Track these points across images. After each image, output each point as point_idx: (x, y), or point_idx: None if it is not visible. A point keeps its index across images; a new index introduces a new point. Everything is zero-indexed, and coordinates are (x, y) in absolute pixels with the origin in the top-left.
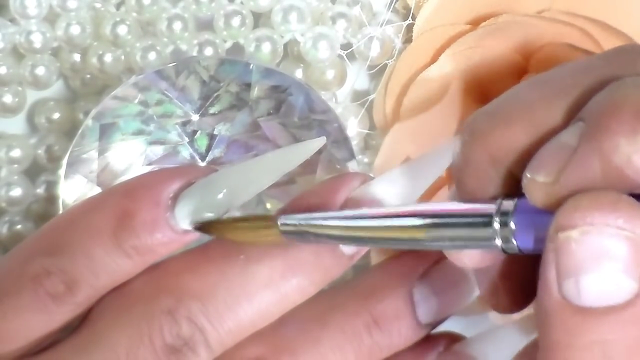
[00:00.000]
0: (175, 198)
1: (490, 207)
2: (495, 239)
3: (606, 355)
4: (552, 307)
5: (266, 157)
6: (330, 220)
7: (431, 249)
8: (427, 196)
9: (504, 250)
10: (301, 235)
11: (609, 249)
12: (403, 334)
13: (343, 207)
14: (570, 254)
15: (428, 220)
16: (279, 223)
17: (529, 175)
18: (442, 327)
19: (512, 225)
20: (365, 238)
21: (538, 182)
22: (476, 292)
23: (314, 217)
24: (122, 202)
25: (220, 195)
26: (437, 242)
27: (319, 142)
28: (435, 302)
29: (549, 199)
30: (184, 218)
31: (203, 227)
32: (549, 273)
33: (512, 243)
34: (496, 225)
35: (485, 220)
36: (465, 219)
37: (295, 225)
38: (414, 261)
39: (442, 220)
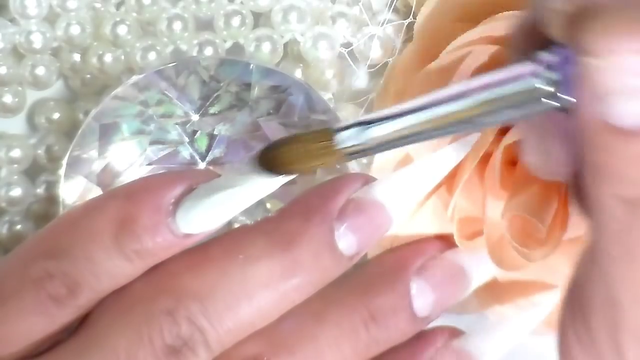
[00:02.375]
0: (177, 203)
1: (530, 65)
2: (544, 94)
3: None
4: (594, 130)
5: None
6: (384, 126)
7: (487, 125)
8: (426, 197)
9: (555, 106)
10: (361, 153)
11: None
12: (400, 328)
13: (343, 208)
14: (600, 78)
15: (478, 96)
16: (337, 148)
17: (546, 5)
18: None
19: (557, 75)
20: (422, 132)
21: (556, 10)
22: (472, 287)
23: (370, 131)
24: (123, 206)
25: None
26: (492, 116)
27: None
28: (432, 296)
29: (570, 27)
30: (185, 223)
31: (263, 163)
32: (586, 98)
33: (562, 97)
34: (543, 77)
35: (531, 79)
36: (513, 82)
37: (354, 145)
38: (411, 255)
39: (490, 91)
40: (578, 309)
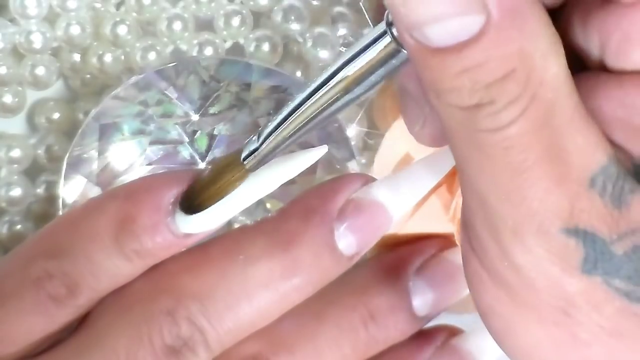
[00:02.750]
0: (177, 203)
1: (382, 26)
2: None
3: (474, 79)
4: (413, 55)
5: (267, 164)
6: (274, 137)
7: (363, 91)
8: (426, 196)
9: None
10: (266, 158)
11: None
12: (399, 327)
13: (343, 208)
14: (407, 14)
15: (343, 75)
16: (246, 167)
17: None
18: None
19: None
20: (306, 121)
21: None
22: None
23: (266, 141)
24: (123, 206)
25: (222, 203)
26: (361, 85)
27: (320, 152)
28: (431, 295)
29: None
30: (184, 223)
31: (187, 209)
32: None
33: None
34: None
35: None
36: (368, 49)
37: (256, 157)
38: (410, 255)
39: (354, 66)
40: (469, 227)
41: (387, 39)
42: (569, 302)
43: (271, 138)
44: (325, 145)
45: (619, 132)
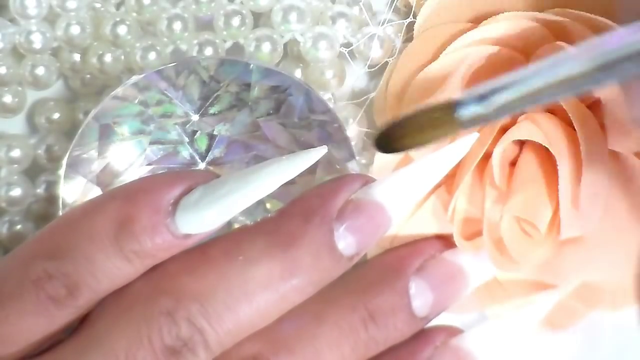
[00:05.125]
0: (176, 204)
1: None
2: None
3: None
4: None
5: (267, 165)
6: (503, 95)
7: (603, 82)
8: (425, 197)
9: None
10: (480, 121)
11: None
12: (399, 328)
13: (342, 209)
14: None
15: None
16: (456, 117)
17: None
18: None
19: None
20: (543, 93)
21: None
22: (471, 287)
23: (489, 98)
24: (123, 207)
25: (220, 205)
26: (608, 73)
27: (319, 152)
28: (431, 296)
29: None
30: (184, 224)
31: (385, 148)
32: None
33: None
34: None
35: None
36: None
37: (472, 114)
38: (410, 255)
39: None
40: None
41: None
42: None
43: (498, 100)
44: (325, 146)
45: None
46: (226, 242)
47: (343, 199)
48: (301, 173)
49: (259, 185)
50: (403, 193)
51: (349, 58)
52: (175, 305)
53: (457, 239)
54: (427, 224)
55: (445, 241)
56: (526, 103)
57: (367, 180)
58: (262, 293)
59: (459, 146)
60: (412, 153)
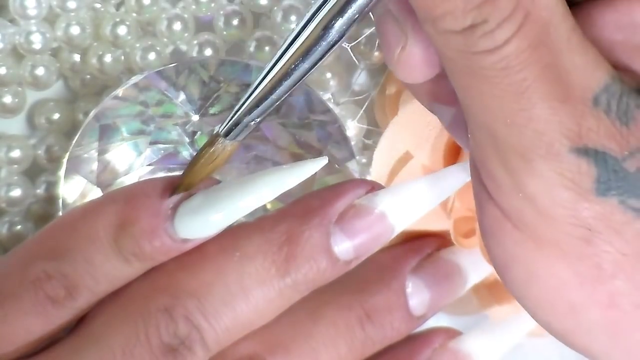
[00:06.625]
0: (175, 208)
1: None
2: None
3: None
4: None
5: (268, 173)
6: (249, 100)
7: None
8: None
9: None
10: (242, 129)
11: None
12: (396, 327)
13: (343, 213)
14: None
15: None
16: (221, 139)
17: None
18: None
19: None
20: (274, 90)
21: None
22: (468, 286)
23: (238, 109)
24: (122, 210)
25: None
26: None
27: (320, 163)
28: (427, 295)
29: None
30: (183, 228)
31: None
32: None
33: None
34: None
35: None
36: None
37: (229, 127)
38: (406, 254)
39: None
40: (481, 167)
41: None
42: (588, 228)
43: (241, 104)
44: (326, 157)
45: (622, 54)
46: (223, 238)
47: (345, 203)
48: None
49: (257, 194)
50: (409, 205)
51: (352, 53)
52: (172, 302)
53: (453, 237)
54: (424, 222)
55: (442, 239)
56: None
57: (374, 187)
58: (258, 290)
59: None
60: (412, 151)
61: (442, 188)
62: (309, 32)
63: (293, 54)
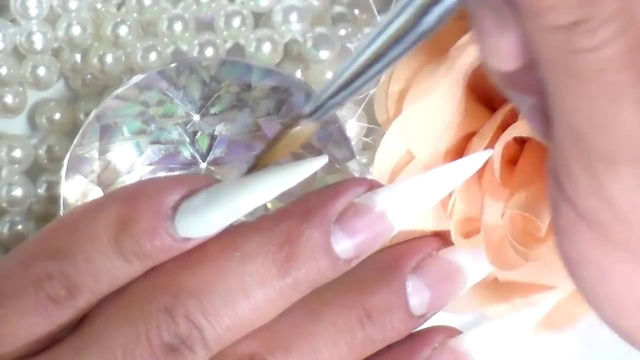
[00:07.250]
0: (176, 208)
1: None
2: None
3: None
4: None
5: (268, 172)
6: (337, 82)
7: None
8: None
9: None
10: (327, 111)
11: None
12: (396, 326)
13: (343, 212)
14: None
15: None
16: (304, 120)
17: None
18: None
19: None
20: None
21: None
22: (468, 285)
23: (325, 90)
24: (123, 209)
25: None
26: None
27: (320, 162)
28: (428, 294)
29: None
30: (184, 228)
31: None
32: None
33: None
34: None
35: None
36: None
37: (315, 108)
38: (407, 253)
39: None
40: (561, 168)
41: None
42: None
43: (330, 86)
44: (326, 156)
45: None
46: (223, 238)
47: (345, 202)
48: None
49: (257, 193)
50: (408, 203)
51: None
52: (173, 302)
53: (454, 236)
54: (424, 221)
55: (443, 239)
56: (353, 87)
57: (373, 185)
58: (259, 289)
59: (472, 160)
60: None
61: (441, 185)
62: (405, 19)
63: (386, 39)
